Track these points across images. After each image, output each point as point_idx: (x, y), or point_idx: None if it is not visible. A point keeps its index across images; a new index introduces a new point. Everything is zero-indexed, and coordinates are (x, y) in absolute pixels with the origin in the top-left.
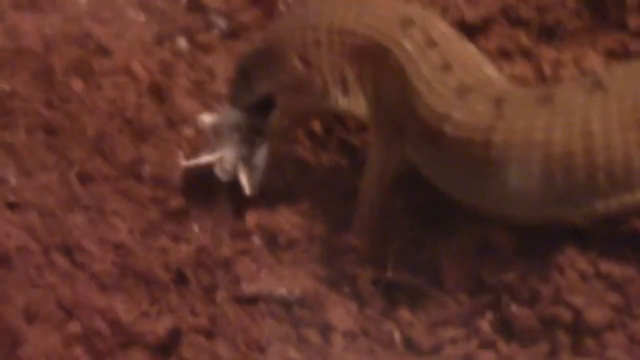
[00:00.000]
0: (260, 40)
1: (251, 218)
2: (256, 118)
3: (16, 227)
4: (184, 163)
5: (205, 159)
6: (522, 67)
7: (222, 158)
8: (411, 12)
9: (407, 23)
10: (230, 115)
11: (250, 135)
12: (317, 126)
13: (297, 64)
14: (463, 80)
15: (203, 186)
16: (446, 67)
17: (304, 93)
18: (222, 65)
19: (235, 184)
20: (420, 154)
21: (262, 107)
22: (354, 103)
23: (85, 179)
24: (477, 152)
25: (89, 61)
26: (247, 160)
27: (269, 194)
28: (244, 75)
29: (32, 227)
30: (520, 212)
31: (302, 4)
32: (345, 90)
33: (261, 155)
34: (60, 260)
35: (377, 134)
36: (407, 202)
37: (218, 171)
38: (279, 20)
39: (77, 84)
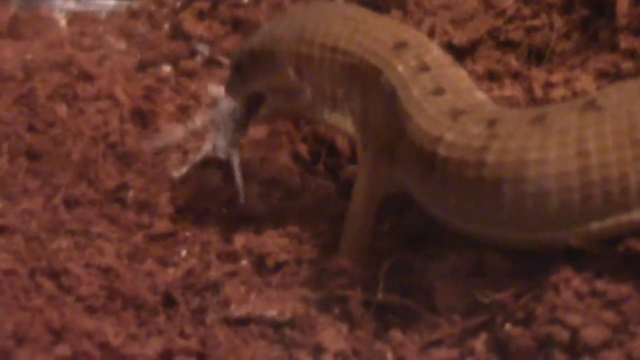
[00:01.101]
0: (256, 40)
1: (239, 241)
2: (250, 108)
3: (2, 251)
4: (176, 173)
5: (198, 156)
6: (512, 89)
7: (215, 146)
8: (406, 35)
9: (400, 46)
10: (227, 103)
11: (244, 123)
12: (303, 151)
13: (290, 72)
14: (455, 103)
15: (189, 211)
16: (438, 90)
17: (293, 100)
18: (206, 91)
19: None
20: (410, 177)
21: (257, 98)
22: (342, 120)
23: (70, 203)
24: (470, 173)
25: (72, 87)
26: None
27: (257, 218)
28: (238, 69)
29: (17, 250)
30: (514, 234)
31: (301, 9)
32: (334, 106)
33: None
34: (47, 283)
35: (365, 155)
36: (396, 223)
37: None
38: (277, 21)
39: (61, 109)
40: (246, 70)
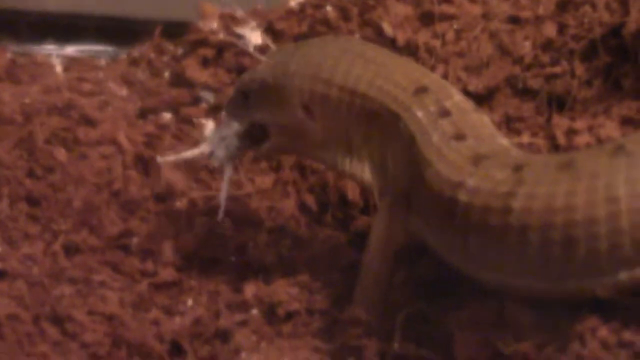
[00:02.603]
0: (267, 70)
1: (249, 290)
2: (252, 137)
3: (4, 296)
4: (161, 159)
5: (190, 152)
6: (533, 137)
7: (212, 153)
8: (427, 79)
9: (421, 91)
10: (231, 125)
11: (244, 147)
12: (311, 201)
13: (299, 112)
14: (478, 149)
15: (195, 259)
16: (459, 136)
17: (300, 140)
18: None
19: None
20: (428, 225)
21: (260, 129)
22: (357, 167)
23: (71, 250)
24: (494, 220)
25: (73, 131)
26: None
27: (266, 267)
28: (244, 96)
29: (20, 296)
30: (539, 283)
31: (318, 43)
32: (349, 152)
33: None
34: (51, 329)
35: (381, 203)
36: (412, 272)
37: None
38: (292, 53)
39: (61, 154)
40: (253, 98)
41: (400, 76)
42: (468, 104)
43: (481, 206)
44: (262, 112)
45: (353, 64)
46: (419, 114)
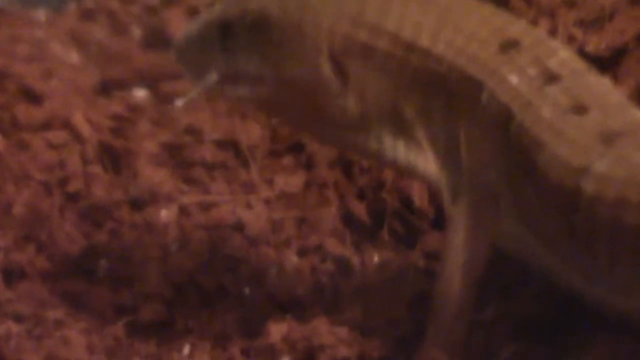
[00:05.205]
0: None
1: (277, 331)
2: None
3: None
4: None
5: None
6: None
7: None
8: (516, 30)
9: (510, 45)
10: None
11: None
12: (360, 211)
13: (324, 67)
14: (606, 124)
15: (192, 289)
16: (578, 108)
17: (318, 112)
18: (208, 124)
19: None
20: (534, 234)
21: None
22: (413, 154)
23: (13, 275)
24: (634, 218)
25: (9, 109)
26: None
27: (299, 301)
28: (223, 33)
29: None
30: None
31: None
32: (398, 132)
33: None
34: None
35: (455, 207)
36: (504, 306)
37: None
38: None
39: None
40: (241, 39)
41: (479, 25)
42: (580, 63)
43: (614, 199)
44: (256, 60)
45: (411, 6)
46: (513, 78)
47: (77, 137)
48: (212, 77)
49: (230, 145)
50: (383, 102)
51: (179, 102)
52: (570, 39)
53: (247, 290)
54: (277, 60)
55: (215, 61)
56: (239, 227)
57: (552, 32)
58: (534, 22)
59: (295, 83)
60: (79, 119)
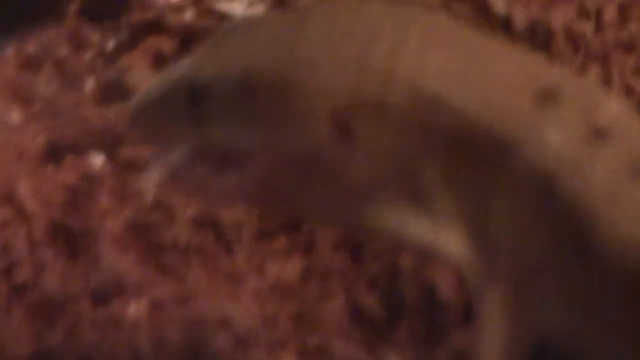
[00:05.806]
0: (255, 55)
1: None
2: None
3: None
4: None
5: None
6: None
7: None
8: (555, 78)
9: (548, 97)
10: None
11: None
12: (372, 305)
13: (325, 132)
14: None
15: None
16: (637, 171)
17: (319, 183)
18: (181, 199)
19: None
20: (584, 325)
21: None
22: (433, 230)
23: None
24: None
25: None
26: None
27: None
28: (193, 99)
29: None
30: None
31: (354, 6)
32: (416, 203)
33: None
34: None
35: (489, 295)
36: None
37: None
38: (304, 24)
39: None
40: (216, 106)
41: (510, 72)
42: (633, 117)
43: None
44: (239, 132)
45: (429, 47)
46: (554, 136)
47: (22, 214)
48: (180, 152)
49: (208, 224)
50: (398, 168)
51: (145, 180)
52: (628, 90)
53: None
54: (267, 131)
55: (183, 132)
56: (224, 324)
57: (606, 81)
58: (583, 66)
59: (292, 156)
60: (23, 192)
